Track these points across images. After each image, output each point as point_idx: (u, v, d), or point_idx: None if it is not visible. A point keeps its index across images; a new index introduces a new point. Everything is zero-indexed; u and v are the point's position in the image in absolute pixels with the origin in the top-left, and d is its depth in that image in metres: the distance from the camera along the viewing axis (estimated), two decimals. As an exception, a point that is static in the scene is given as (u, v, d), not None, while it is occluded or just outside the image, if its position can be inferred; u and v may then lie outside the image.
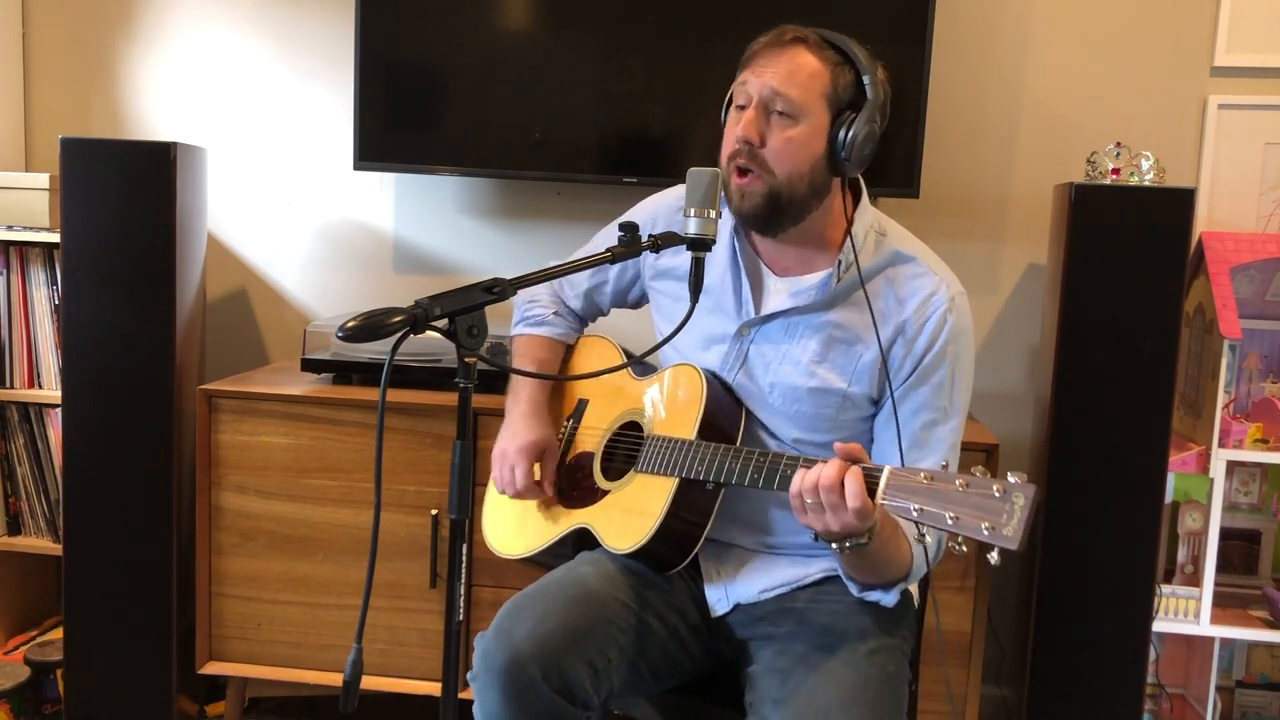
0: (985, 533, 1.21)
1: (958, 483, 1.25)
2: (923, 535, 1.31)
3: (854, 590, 1.57)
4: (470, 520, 1.27)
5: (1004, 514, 1.21)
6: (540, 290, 1.90)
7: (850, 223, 1.60)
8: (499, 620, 1.53)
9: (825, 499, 1.35)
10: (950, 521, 1.24)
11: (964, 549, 1.27)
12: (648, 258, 1.78)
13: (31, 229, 2.47)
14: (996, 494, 1.22)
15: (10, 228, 2.48)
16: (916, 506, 1.27)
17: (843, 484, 1.33)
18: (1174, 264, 2.16)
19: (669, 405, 1.66)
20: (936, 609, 2.18)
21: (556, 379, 1.72)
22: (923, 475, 1.28)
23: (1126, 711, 2.23)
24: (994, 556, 1.23)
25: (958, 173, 2.61)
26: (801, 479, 1.37)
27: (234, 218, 2.82)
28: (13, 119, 2.80)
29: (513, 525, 1.79)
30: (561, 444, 1.79)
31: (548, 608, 1.53)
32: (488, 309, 1.26)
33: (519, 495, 1.74)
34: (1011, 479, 1.23)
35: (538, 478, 1.73)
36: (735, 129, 1.56)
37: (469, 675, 1.53)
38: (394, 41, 2.54)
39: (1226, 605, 2.39)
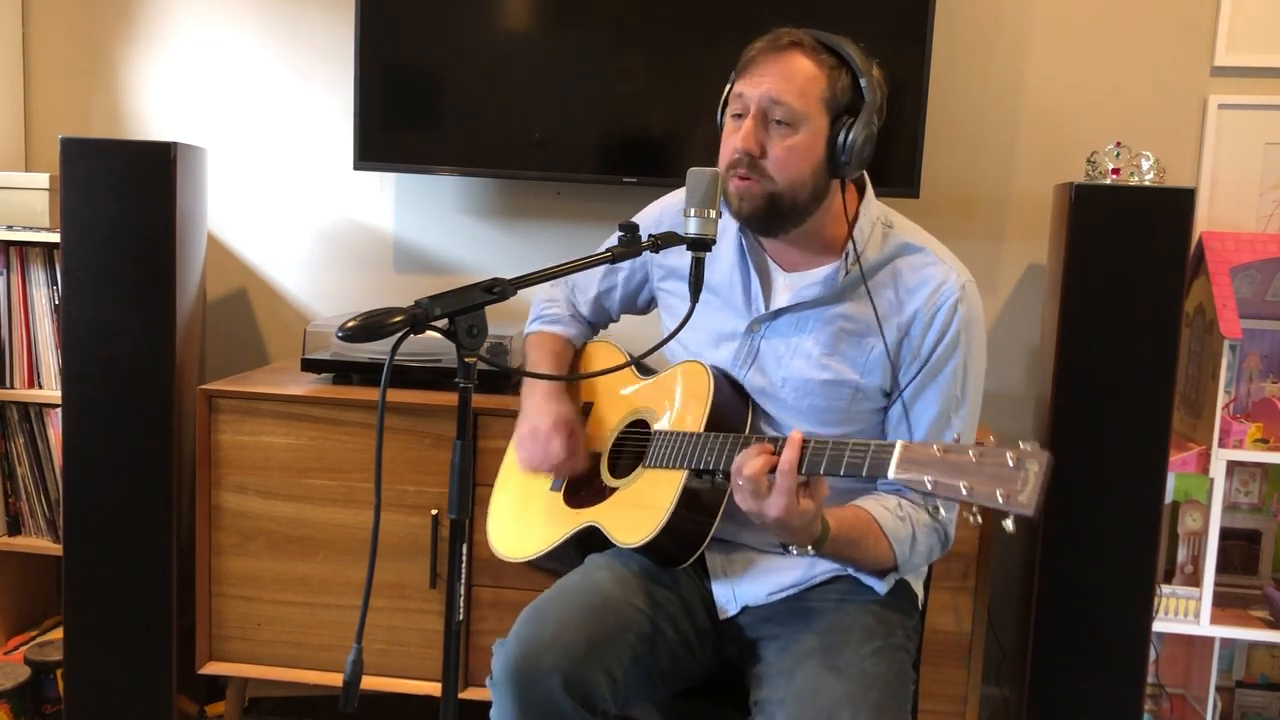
0: (1001, 501, 1.22)
1: (971, 454, 1.26)
2: (936, 509, 1.30)
3: (849, 569, 1.59)
4: (470, 520, 1.27)
5: (1019, 481, 1.21)
6: (557, 293, 1.92)
7: (855, 218, 1.60)
8: (518, 627, 1.52)
9: (744, 484, 1.38)
10: (965, 492, 1.24)
11: (979, 519, 1.27)
12: (653, 260, 1.78)
13: (31, 229, 2.47)
14: (1011, 462, 1.22)
15: (10, 228, 2.48)
16: (931, 479, 1.27)
17: (756, 470, 1.36)
18: (1174, 264, 2.16)
19: (676, 401, 1.66)
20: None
21: (559, 379, 1.70)
22: (935, 448, 1.29)
23: (1126, 711, 2.23)
24: (1009, 523, 1.23)
25: (958, 173, 2.61)
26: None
27: (234, 218, 2.82)
28: (13, 119, 2.80)
29: (518, 528, 1.77)
30: None
31: (568, 616, 1.52)
32: (488, 309, 1.26)
33: (557, 469, 1.70)
34: (1025, 446, 1.23)
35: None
36: (733, 139, 1.55)
37: (488, 680, 1.52)
38: (394, 41, 2.54)
39: (1226, 605, 2.39)
